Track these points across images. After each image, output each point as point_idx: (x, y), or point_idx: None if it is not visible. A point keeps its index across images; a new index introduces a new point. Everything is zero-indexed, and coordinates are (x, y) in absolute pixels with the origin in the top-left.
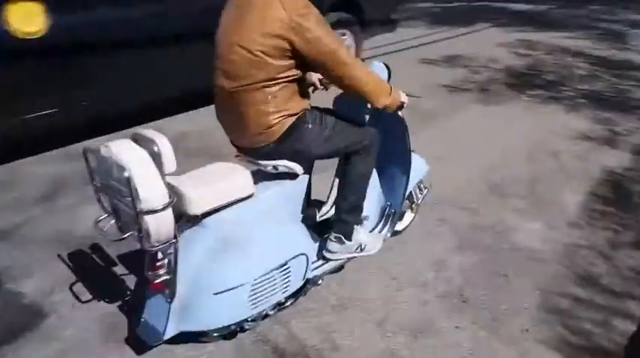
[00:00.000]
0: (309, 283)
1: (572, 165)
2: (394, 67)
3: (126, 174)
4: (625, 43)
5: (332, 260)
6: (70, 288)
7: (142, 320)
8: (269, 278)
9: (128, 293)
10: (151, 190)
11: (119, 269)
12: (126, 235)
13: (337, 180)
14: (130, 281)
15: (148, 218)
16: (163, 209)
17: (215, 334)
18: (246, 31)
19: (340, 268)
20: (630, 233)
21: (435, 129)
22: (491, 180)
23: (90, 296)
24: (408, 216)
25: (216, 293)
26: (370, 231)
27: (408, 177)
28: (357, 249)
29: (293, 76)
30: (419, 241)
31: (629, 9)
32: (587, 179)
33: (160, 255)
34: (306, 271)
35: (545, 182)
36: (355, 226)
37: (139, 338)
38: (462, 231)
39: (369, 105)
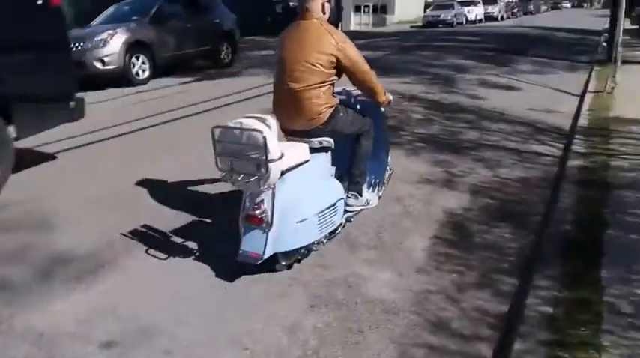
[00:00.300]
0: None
1: (416, 210)
2: (238, 117)
3: (263, 134)
4: (453, 86)
5: (350, 211)
6: None
7: (242, 250)
8: (327, 213)
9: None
10: (274, 146)
11: None
12: (252, 179)
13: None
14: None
15: (271, 165)
16: (279, 159)
17: (283, 262)
18: (308, 51)
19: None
20: (474, 273)
21: None
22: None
23: None
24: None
25: (298, 222)
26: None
27: (388, 156)
28: (365, 202)
29: (333, 80)
30: (271, 304)
31: (457, 55)
32: (431, 222)
33: (259, 198)
34: (343, 211)
35: (392, 229)
36: (364, 187)
37: (239, 263)
38: (314, 288)
39: (369, 100)
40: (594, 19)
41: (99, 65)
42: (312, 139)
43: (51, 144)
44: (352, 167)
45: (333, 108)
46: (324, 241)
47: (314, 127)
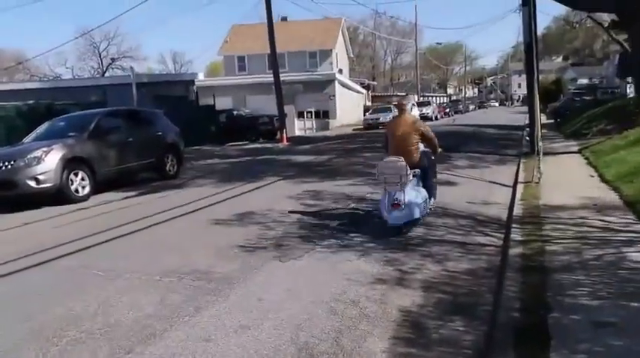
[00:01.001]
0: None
1: (373, 311)
2: (184, 231)
3: (404, 164)
4: None
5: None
6: None
7: (391, 222)
8: (423, 203)
9: None
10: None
11: None
12: (395, 185)
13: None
14: None
15: (405, 179)
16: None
17: (407, 227)
18: (406, 129)
19: None
20: None
21: (235, 297)
22: (300, 341)
23: None
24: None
25: (415, 206)
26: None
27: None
28: (433, 203)
29: (419, 141)
30: None
31: None
32: (388, 323)
33: (398, 194)
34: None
35: (350, 333)
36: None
37: (388, 229)
38: None
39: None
40: (516, 116)
41: (33, 184)
42: (414, 169)
43: None
44: (427, 183)
45: (419, 155)
46: (423, 217)
47: (413, 163)
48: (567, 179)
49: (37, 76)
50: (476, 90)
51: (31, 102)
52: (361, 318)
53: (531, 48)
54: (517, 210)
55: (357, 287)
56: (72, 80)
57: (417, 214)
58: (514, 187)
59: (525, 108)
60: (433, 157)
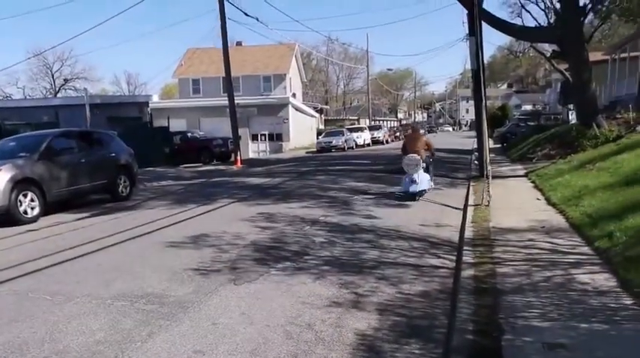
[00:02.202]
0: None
1: (328, 335)
2: (136, 254)
3: (418, 157)
4: (350, 208)
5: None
6: None
7: (410, 191)
8: (428, 182)
9: None
10: (420, 161)
11: None
12: (413, 169)
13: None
14: None
15: (419, 166)
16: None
17: (418, 197)
18: (419, 143)
19: None
20: None
21: (189, 321)
22: None
23: None
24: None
25: (425, 181)
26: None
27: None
28: (431, 186)
29: (424, 147)
30: None
31: (351, 178)
32: (344, 347)
33: (415, 176)
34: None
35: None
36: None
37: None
38: None
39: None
40: (464, 140)
41: None
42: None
43: None
44: (428, 172)
45: (426, 155)
46: (428, 190)
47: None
48: (515, 202)
49: None
50: (425, 114)
51: None
52: (317, 342)
53: (479, 75)
54: (468, 233)
55: (313, 311)
56: (23, 100)
57: (424, 187)
58: (464, 210)
59: (473, 133)
60: (431, 159)
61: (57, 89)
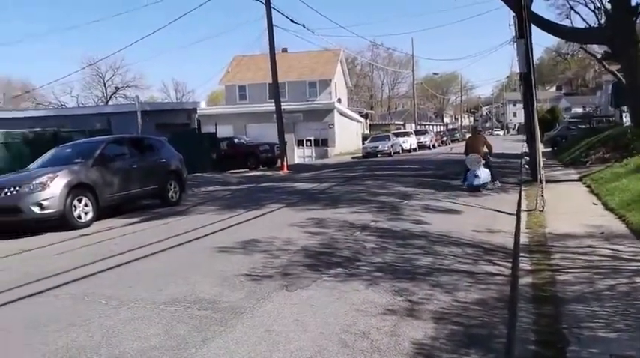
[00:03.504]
0: None
1: (384, 344)
2: (188, 259)
3: (478, 156)
4: (400, 213)
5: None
6: None
7: (475, 184)
8: (490, 178)
9: None
10: (481, 160)
11: None
12: (476, 165)
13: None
14: None
15: (480, 163)
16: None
17: (482, 189)
18: (480, 143)
19: None
20: None
21: (242, 327)
22: None
23: None
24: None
25: (486, 176)
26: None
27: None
28: (497, 185)
29: (484, 146)
30: None
31: (398, 183)
32: (400, 356)
33: (478, 171)
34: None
35: None
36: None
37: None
38: None
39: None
40: (512, 144)
41: (37, 210)
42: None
43: None
44: (489, 168)
45: (485, 152)
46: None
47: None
48: (571, 207)
49: (43, 105)
50: (472, 118)
51: (37, 129)
52: (373, 351)
53: (529, 78)
54: (523, 239)
55: (367, 318)
56: (77, 108)
57: (484, 180)
58: (518, 215)
59: (521, 137)
60: (490, 156)
61: (109, 97)
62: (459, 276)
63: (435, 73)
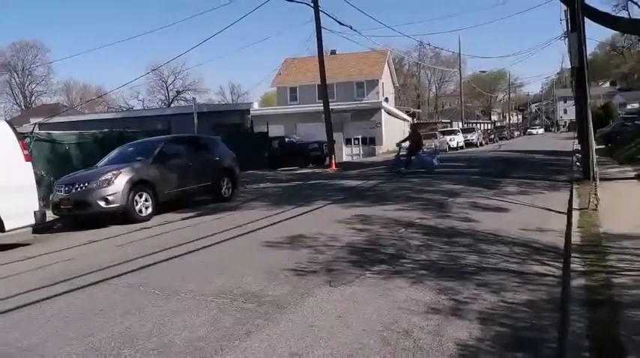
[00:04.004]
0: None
1: (427, 343)
2: (237, 253)
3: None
4: (446, 211)
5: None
6: None
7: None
8: (435, 159)
9: None
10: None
11: None
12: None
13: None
14: None
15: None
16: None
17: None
18: (415, 138)
19: None
20: None
21: (285, 322)
22: None
23: None
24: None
25: (434, 160)
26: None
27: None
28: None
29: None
30: None
31: (445, 180)
32: (444, 357)
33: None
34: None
35: None
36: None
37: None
38: None
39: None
40: (562, 141)
41: (103, 204)
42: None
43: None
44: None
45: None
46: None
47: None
48: (627, 206)
49: (114, 108)
50: (520, 116)
51: (106, 130)
52: (415, 350)
53: (582, 73)
54: (575, 238)
55: (410, 317)
56: (142, 111)
57: (430, 165)
58: (569, 214)
59: (571, 134)
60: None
61: (170, 100)
62: (506, 276)
63: (482, 71)
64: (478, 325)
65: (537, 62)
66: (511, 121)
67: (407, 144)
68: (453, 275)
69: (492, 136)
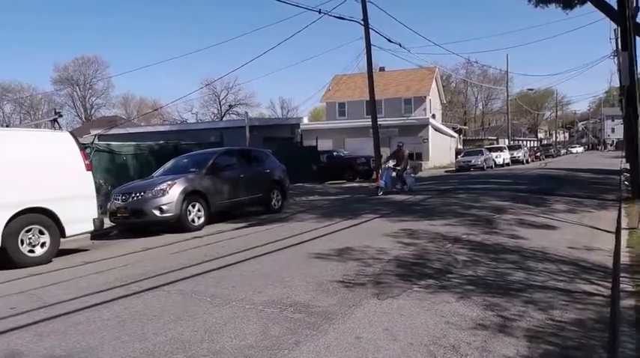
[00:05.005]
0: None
1: None
2: (286, 263)
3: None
4: (493, 227)
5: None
6: None
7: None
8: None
9: None
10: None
11: None
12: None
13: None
14: None
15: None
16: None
17: (380, 191)
18: (398, 156)
19: None
20: None
21: (333, 333)
22: None
23: None
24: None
25: (408, 179)
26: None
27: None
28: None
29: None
30: None
31: (492, 196)
32: None
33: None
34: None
35: None
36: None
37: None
38: None
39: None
40: (610, 160)
41: (157, 213)
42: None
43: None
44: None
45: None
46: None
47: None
48: None
49: (168, 121)
50: (567, 134)
51: (161, 142)
52: None
53: (632, 92)
54: (624, 258)
55: (457, 332)
56: (195, 124)
57: (383, 185)
58: (617, 233)
59: (619, 153)
60: (405, 168)
61: (222, 114)
62: (553, 294)
63: (529, 89)
64: (526, 342)
65: (586, 80)
66: (557, 139)
67: (392, 162)
68: (500, 292)
69: (538, 154)
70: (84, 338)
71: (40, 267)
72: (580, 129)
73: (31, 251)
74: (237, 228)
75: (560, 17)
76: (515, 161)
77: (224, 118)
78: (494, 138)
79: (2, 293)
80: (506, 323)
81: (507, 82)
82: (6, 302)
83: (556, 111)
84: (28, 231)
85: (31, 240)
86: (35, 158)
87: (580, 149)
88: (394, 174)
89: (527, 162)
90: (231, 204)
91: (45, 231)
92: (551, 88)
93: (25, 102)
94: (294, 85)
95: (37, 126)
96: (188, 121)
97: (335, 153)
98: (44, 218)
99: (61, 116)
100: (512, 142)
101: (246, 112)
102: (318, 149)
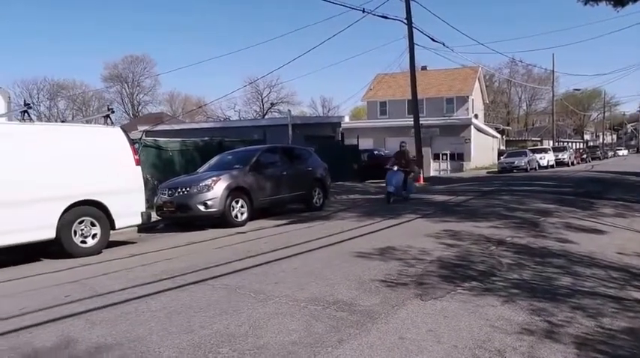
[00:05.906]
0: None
1: None
2: (329, 261)
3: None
4: (539, 230)
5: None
6: None
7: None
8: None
9: None
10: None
11: None
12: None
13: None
14: None
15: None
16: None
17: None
18: (401, 158)
19: None
20: None
21: (376, 332)
22: None
23: None
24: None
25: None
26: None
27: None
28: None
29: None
30: None
31: (536, 199)
32: None
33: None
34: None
35: None
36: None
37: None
38: None
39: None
40: None
41: (202, 208)
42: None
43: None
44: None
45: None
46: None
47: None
48: None
49: (212, 118)
50: (615, 136)
51: (206, 138)
52: None
53: None
54: None
55: (503, 336)
56: (238, 121)
57: (392, 190)
58: None
59: None
60: (411, 170)
61: (265, 112)
62: (602, 301)
63: (576, 89)
64: (574, 350)
65: (635, 80)
66: (605, 141)
67: (396, 166)
68: (546, 296)
69: (585, 156)
70: (133, 328)
71: (90, 258)
72: (629, 131)
73: (83, 242)
74: (279, 225)
75: (610, 15)
76: (559, 163)
77: (266, 116)
78: (538, 139)
79: (57, 282)
80: (554, 329)
81: (553, 82)
82: (61, 290)
83: (604, 112)
84: (81, 222)
85: (84, 231)
86: (88, 152)
87: (625, 151)
88: (404, 177)
89: (572, 164)
90: (273, 201)
91: (96, 223)
92: (599, 88)
93: (77, 98)
94: (336, 84)
95: (88, 121)
96: (231, 118)
97: (375, 152)
98: (96, 210)
99: (113, 112)
100: (557, 144)
101: (289, 110)
102: (359, 148)
